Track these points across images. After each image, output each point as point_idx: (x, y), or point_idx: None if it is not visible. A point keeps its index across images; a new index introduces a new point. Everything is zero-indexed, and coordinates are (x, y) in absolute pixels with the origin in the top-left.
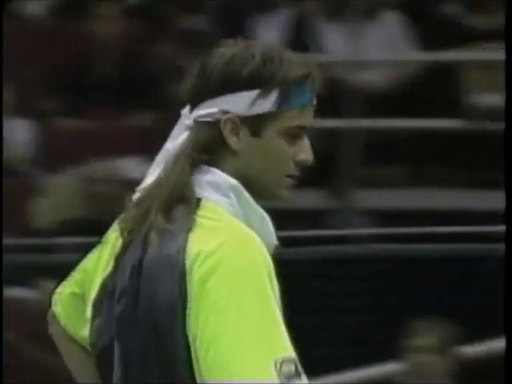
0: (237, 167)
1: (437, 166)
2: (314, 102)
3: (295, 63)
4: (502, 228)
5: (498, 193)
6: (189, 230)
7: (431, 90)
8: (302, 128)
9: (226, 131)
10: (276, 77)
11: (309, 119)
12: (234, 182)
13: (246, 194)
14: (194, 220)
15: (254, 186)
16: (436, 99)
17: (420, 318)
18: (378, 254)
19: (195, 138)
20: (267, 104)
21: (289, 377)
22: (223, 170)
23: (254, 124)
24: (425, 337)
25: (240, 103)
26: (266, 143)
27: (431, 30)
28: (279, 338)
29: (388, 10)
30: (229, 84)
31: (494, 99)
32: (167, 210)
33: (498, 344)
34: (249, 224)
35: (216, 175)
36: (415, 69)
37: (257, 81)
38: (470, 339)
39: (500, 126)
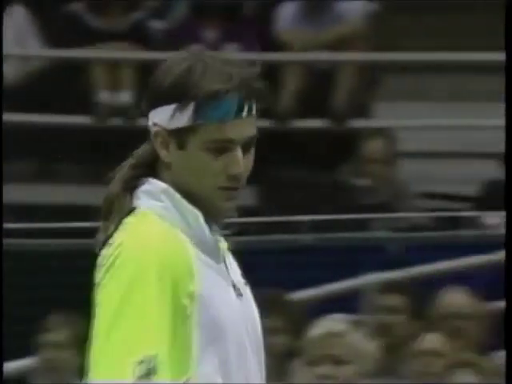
0: (172, 180)
1: (68, 161)
2: (243, 115)
3: (217, 77)
4: None
5: None
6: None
7: (60, 86)
8: (230, 141)
9: (157, 144)
10: (191, 91)
11: (236, 132)
12: (163, 186)
13: (177, 195)
14: (116, 228)
15: (192, 198)
16: (65, 96)
17: (52, 313)
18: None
19: (137, 152)
20: (184, 118)
21: (141, 377)
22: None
23: (178, 137)
24: (55, 332)
25: (163, 117)
26: (190, 156)
27: (59, 27)
28: (145, 336)
29: (16, 4)
30: (155, 97)
31: (122, 98)
32: (106, 223)
33: None
34: (187, 223)
35: (150, 184)
36: (44, 65)
37: (174, 94)
38: None
39: (131, 123)
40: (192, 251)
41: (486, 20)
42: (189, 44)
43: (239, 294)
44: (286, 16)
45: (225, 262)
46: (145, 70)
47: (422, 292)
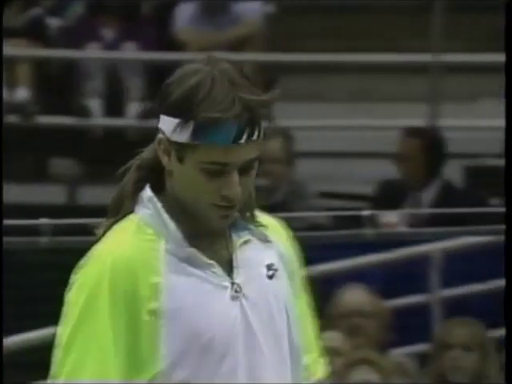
0: (172, 187)
1: None
2: (242, 141)
3: (220, 100)
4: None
5: (33, 186)
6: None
7: None
8: (226, 165)
9: (160, 150)
10: (192, 111)
11: (232, 157)
12: (150, 194)
13: (158, 204)
14: (105, 232)
15: (188, 207)
16: None
17: None
18: None
19: (143, 152)
20: (184, 135)
21: None
22: (166, 189)
23: (178, 150)
24: None
25: (167, 127)
26: (187, 171)
27: None
28: (88, 366)
29: None
30: (162, 105)
31: (19, 95)
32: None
33: (32, 335)
34: (169, 232)
35: (144, 191)
36: None
37: (178, 110)
38: None
39: (29, 120)
40: (165, 263)
41: (383, 21)
42: (86, 42)
43: (235, 297)
44: (184, 16)
45: (231, 262)
46: (42, 67)
47: (321, 291)
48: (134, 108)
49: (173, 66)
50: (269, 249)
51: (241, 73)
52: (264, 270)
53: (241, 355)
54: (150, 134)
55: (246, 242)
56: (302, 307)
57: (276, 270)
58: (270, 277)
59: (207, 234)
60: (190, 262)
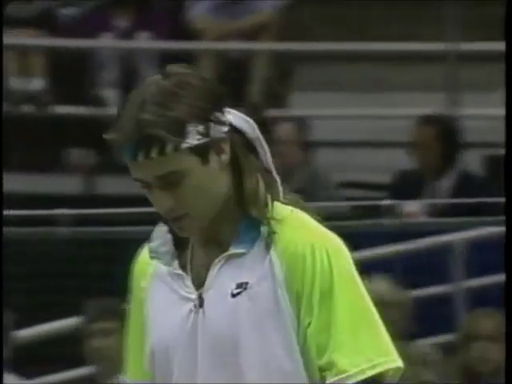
0: None
1: None
2: (139, 159)
3: (120, 122)
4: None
5: (50, 177)
6: None
7: None
8: (141, 181)
9: None
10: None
11: (140, 173)
12: None
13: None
14: None
15: None
16: None
17: None
18: None
19: None
20: None
21: None
22: None
23: None
24: None
25: None
26: None
27: None
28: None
29: None
30: None
31: (35, 85)
32: None
33: (47, 327)
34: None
35: None
36: None
37: None
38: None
39: (43, 110)
40: (153, 268)
41: (395, 9)
42: (99, 32)
43: (193, 310)
44: (199, 5)
45: (202, 274)
46: (56, 57)
47: None
48: None
49: (188, 54)
50: (257, 264)
51: (172, 89)
52: (231, 287)
53: (177, 368)
54: None
55: (231, 256)
56: (316, 324)
57: (246, 288)
58: (234, 295)
59: (208, 243)
60: (170, 271)
